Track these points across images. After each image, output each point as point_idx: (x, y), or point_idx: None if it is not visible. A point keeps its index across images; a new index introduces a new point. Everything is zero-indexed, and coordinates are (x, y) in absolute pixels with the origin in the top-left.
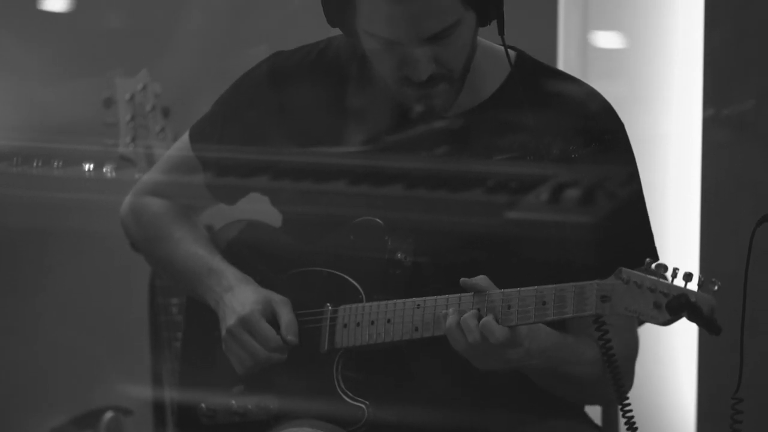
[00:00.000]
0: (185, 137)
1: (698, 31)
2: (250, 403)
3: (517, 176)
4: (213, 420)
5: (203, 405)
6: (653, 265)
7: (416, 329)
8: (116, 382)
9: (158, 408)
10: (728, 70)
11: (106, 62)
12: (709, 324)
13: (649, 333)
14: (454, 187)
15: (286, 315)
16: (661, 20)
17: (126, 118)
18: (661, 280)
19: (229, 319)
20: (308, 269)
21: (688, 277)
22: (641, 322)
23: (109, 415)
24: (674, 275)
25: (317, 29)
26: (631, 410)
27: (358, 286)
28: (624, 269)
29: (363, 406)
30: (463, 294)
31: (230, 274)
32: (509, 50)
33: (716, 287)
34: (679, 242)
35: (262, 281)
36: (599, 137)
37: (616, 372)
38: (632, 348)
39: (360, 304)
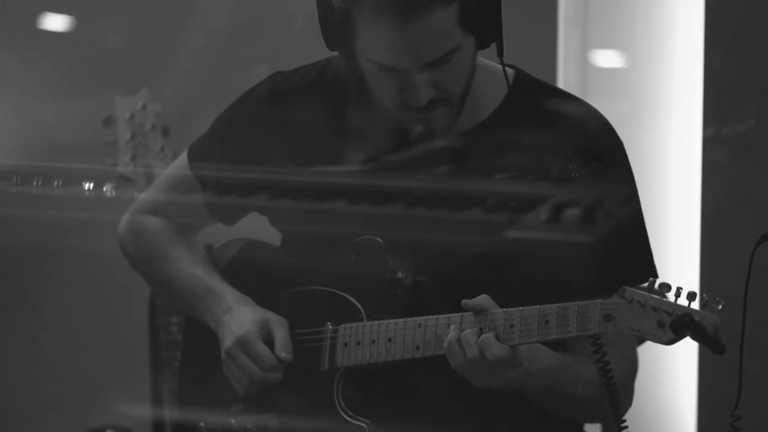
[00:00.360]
0: (183, 156)
1: (698, 51)
2: (249, 422)
3: (517, 195)
4: None
5: (202, 424)
6: (656, 285)
7: (417, 348)
8: (116, 402)
9: (158, 427)
10: (728, 89)
11: (105, 81)
12: (714, 343)
13: (649, 351)
14: (455, 207)
15: (280, 334)
16: (661, 39)
17: (126, 137)
18: (664, 299)
19: (227, 341)
20: (308, 288)
21: (691, 296)
22: (642, 341)
23: None
24: (678, 294)
25: (317, 49)
26: (627, 428)
27: (358, 305)
28: (627, 288)
29: (364, 425)
30: (465, 313)
31: (228, 294)
32: (508, 69)
33: (720, 306)
34: (679, 261)
35: (262, 300)
36: (599, 156)
37: (614, 391)
38: (632, 366)
39: (361, 323)
